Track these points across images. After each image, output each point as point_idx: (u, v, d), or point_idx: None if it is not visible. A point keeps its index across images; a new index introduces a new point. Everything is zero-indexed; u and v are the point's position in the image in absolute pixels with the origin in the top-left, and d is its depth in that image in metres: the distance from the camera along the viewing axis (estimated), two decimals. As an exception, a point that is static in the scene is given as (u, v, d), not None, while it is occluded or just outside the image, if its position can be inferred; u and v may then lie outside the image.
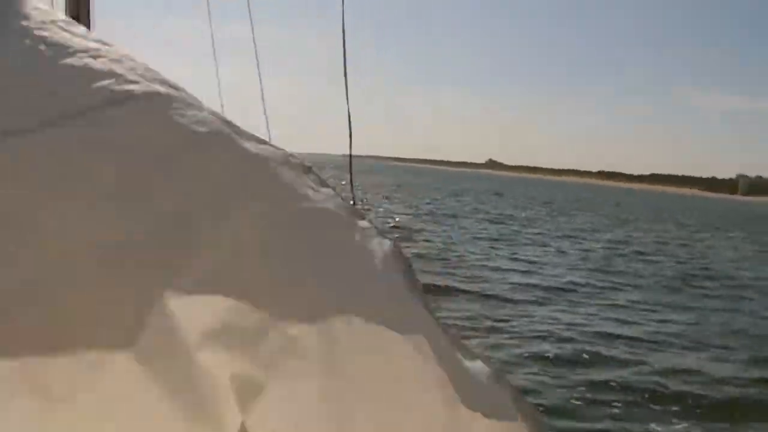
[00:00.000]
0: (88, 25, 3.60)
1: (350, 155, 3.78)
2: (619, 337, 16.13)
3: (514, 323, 16.38)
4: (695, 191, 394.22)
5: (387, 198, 63.13)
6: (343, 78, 3.69)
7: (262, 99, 5.02)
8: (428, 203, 62.39)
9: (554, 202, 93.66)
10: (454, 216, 48.34)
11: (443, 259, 25.49)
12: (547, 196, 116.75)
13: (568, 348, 14.45)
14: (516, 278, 23.20)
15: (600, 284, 24.10)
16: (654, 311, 19.97)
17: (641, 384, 12.54)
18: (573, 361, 13.63)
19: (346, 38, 3.73)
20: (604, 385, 12.35)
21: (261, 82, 5.12)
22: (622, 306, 20.33)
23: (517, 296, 19.96)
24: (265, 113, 5.03)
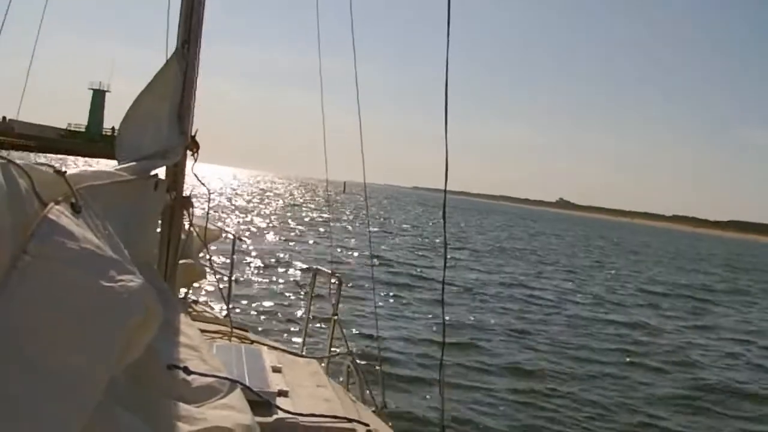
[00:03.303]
0: (196, 54, 4.13)
1: (444, 202, 3.76)
2: None
3: None
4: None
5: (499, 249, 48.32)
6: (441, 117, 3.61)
7: (360, 134, 5.75)
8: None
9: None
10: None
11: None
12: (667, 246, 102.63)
13: None
14: None
15: None
16: None
17: None
18: None
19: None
20: None
21: (360, 119, 5.70)
22: None
23: None
24: (361, 146, 5.80)
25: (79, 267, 1.67)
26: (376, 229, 47.93)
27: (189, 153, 4.29)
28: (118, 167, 3.04)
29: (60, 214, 1.75)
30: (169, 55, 4.21)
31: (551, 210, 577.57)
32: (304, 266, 23.36)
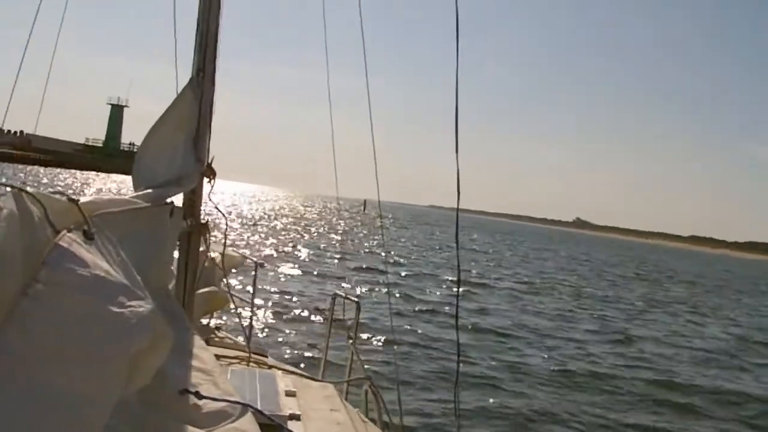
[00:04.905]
0: (213, 76, 4.21)
1: (457, 223, 3.87)
2: None
3: None
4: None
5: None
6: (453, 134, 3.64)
7: (373, 149, 5.63)
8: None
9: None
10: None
11: None
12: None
13: None
14: None
15: None
16: None
17: None
18: None
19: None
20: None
21: (372, 133, 5.72)
22: None
23: None
24: (374, 161, 5.62)
25: (89, 293, 1.70)
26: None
27: (206, 180, 4.32)
28: (134, 194, 3.08)
29: (72, 241, 1.78)
30: (180, 74, 4.29)
31: (570, 230, 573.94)
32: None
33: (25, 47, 5.22)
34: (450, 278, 33.09)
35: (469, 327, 19.71)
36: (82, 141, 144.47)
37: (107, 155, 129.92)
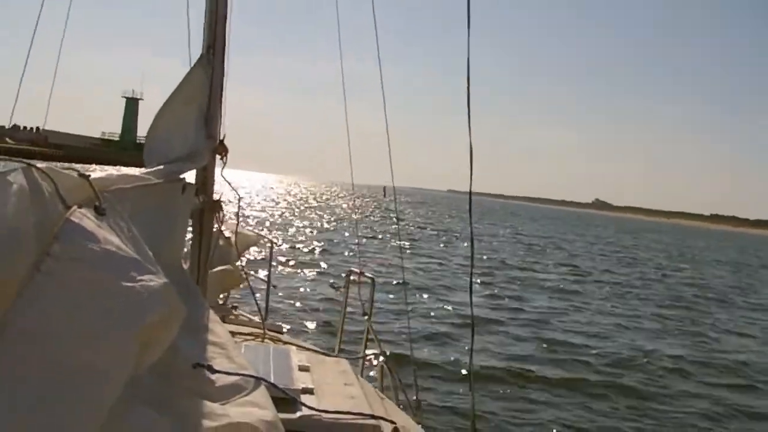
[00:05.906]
0: (222, 58, 4.18)
1: (470, 208, 3.84)
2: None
3: None
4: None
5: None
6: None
7: (387, 135, 5.71)
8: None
9: None
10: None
11: None
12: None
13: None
14: None
15: None
16: None
17: None
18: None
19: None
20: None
21: (387, 123, 5.71)
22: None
23: None
24: (388, 147, 5.76)
25: (101, 268, 1.70)
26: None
27: (218, 157, 4.33)
28: (145, 171, 3.08)
29: (83, 216, 1.77)
30: (192, 63, 4.27)
31: (590, 211, 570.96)
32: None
33: (29, 47, 5.22)
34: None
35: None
36: (98, 135, 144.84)
37: (123, 149, 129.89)
